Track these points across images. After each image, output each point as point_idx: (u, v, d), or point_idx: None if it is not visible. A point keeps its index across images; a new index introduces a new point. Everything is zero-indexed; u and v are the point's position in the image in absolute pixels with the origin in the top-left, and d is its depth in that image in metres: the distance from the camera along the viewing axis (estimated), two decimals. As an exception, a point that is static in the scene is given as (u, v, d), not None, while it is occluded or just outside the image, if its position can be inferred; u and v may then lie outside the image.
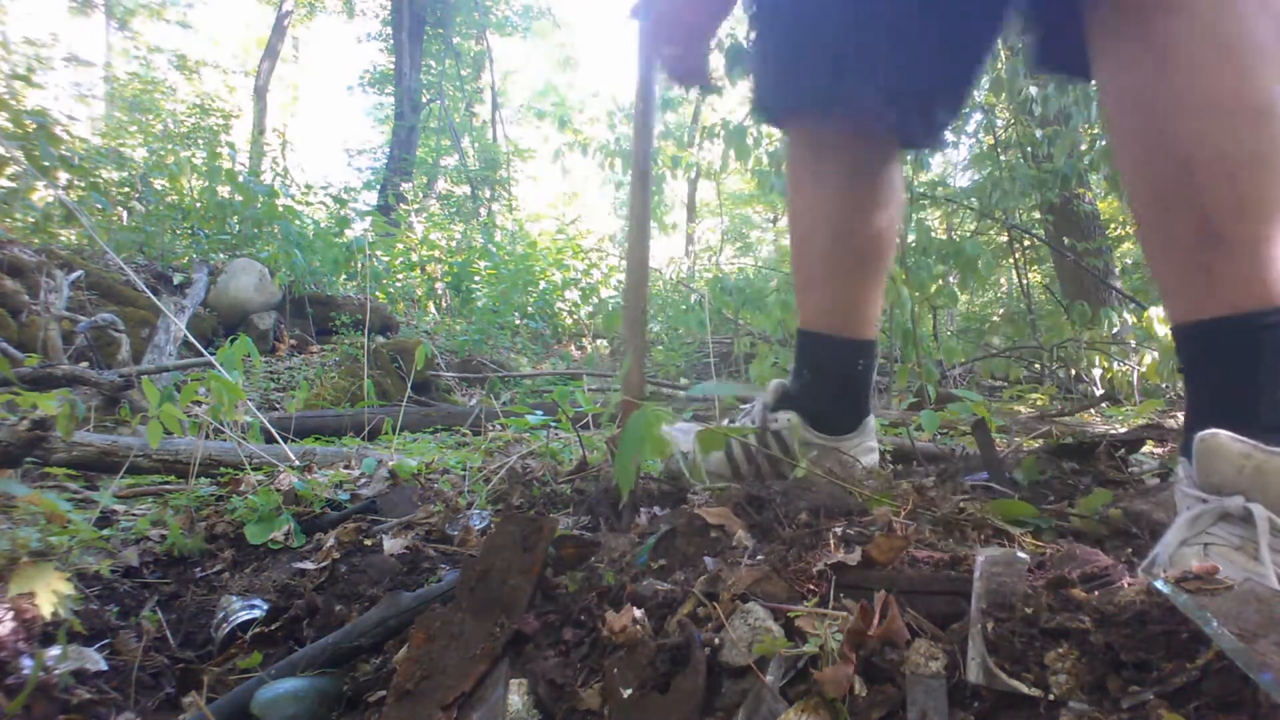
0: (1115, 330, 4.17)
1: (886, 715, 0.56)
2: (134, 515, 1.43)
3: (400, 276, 8.68)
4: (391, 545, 1.18)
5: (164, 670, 0.92)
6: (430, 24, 14.69)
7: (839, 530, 0.83)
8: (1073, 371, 4.44)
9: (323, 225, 7.73)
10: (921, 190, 5.00)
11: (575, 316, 8.75)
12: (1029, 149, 5.24)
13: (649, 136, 1.24)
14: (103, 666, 0.87)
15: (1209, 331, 0.80)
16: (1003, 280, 8.38)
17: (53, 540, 1.04)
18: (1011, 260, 6.22)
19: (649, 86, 1.21)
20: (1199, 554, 0.73)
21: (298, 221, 7.06)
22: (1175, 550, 0.75)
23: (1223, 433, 0.74)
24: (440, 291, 8.98)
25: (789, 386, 1.35)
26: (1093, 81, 0.92)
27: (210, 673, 0.90)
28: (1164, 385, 3.89)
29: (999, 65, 4.20)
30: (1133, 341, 4.10)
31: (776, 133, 3.56)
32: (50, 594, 0.80)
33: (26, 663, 0.76)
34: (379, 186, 13.30)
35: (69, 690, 0.79)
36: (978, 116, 5.48)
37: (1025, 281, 6.36)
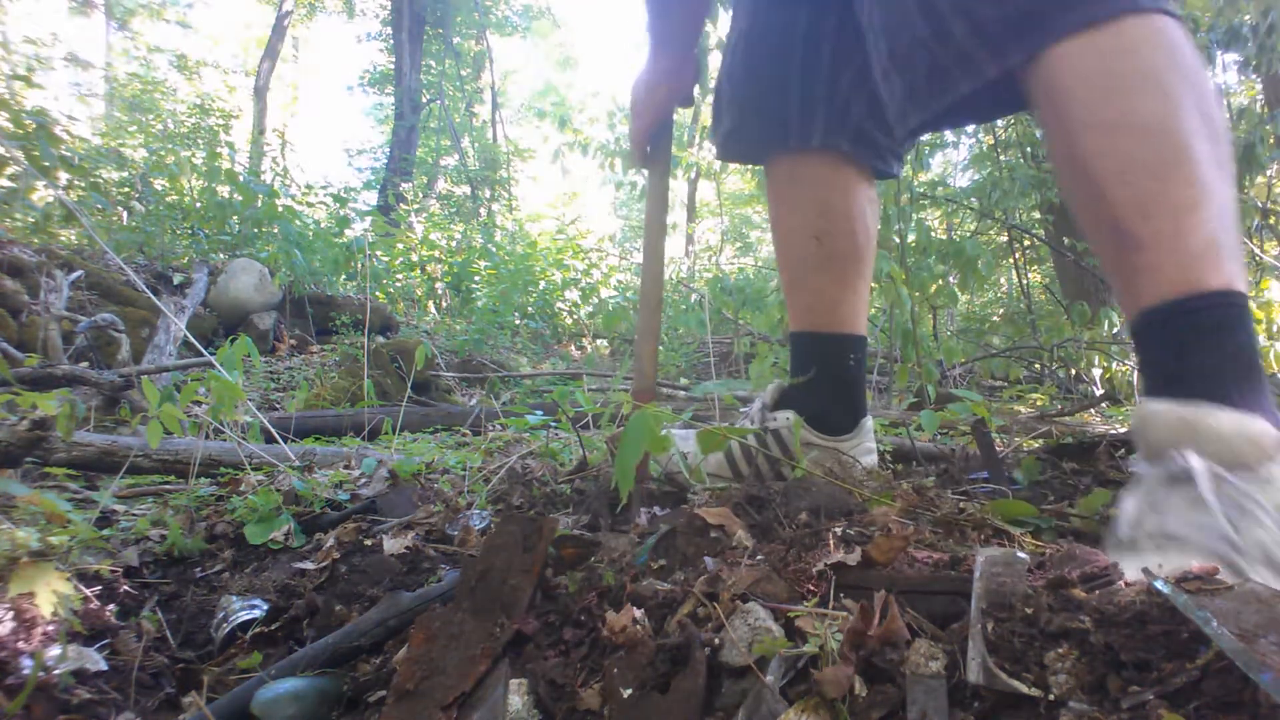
0: (1115, 330, 4.17)
1: (886, 715, 0.56)
2: (134, 515, 1.42)
3: (400, 276, 8.68)
4: (391, 545, 1.18)
5: (164, 670, 0.92)
6: (430, 24, 14.68)
7: (839, 530, 0.83)
8: (1073, 371, 4.44)
9: (323, 225, 7.72)
10: (921, 190, 4.99)
11: (575, 316, 8.75)
12: (1029, 149, 5.24)
13: (668, 140, 1.38)
14: (103, 666, 0.87)
15: (1143, 323, 0.87)
16: (1003, 280, 8.38)
17: (53, 540, 1.04)
18: (1011, 260, 6.22)
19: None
20: (1156, 518, 0.76)
21: (298, 221, 7.05)
22: (1133, 516, 0.79)
23: (1151, 402, 0.81)
24: (440, 291, 8.97)
25: (787, 387, 1.39)
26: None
27: (210, 673, 0.90)
28: (1164, 385, 3.88)
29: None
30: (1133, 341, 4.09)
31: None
32: (50, 594, 0.80)
33: (26, 663, 0.76)
34: (379, 186, 13.29)
35: (69, 690, 0.79)
36: (978, 116, 5.47)
37: (1025, 281, 6.36)
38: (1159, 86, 0.86)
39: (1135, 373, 3.93)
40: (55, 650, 0.80)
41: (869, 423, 1.38)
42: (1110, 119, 0.87)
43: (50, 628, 0.81)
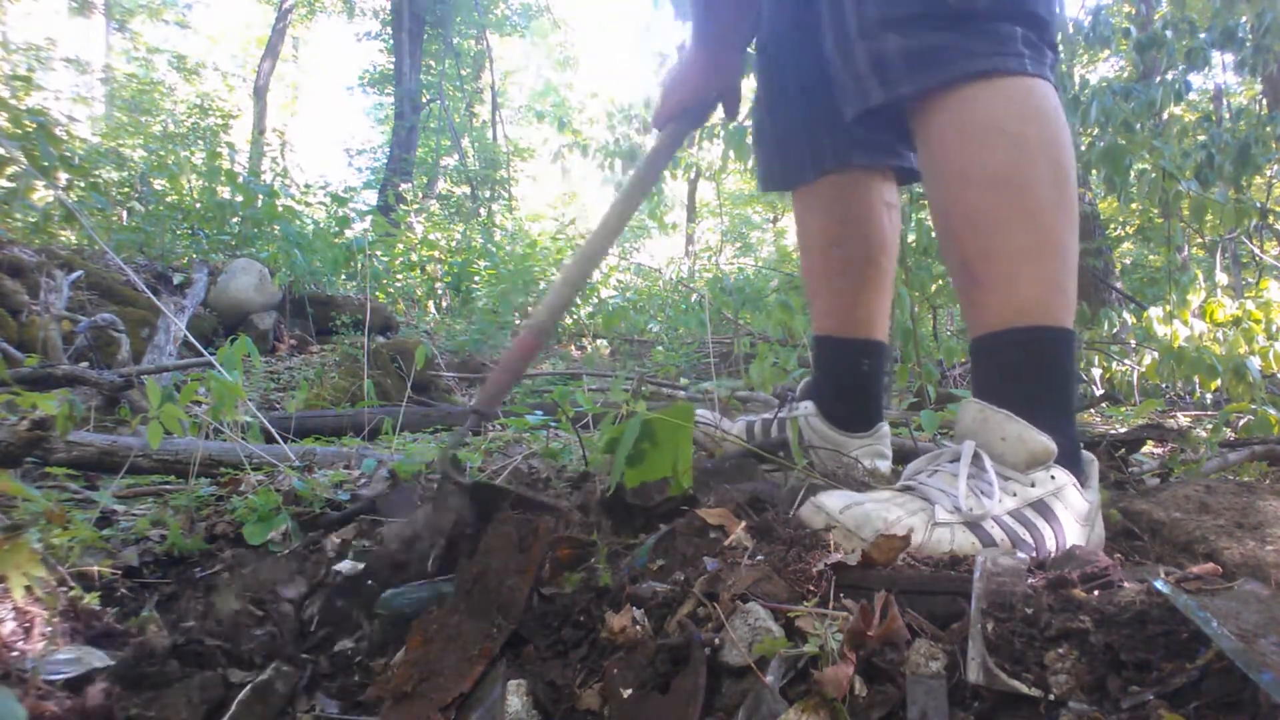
0: (1115, 330, 4.17)
1: (886, 715, 0.56)
2: (134, 515, 1.42)
3: (400, 276, 8.67)
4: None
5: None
6: (430, 24, 14.67)
7: (839, 530, 0.83)
8: (1073, 371, 4.42)
9: (322, 225, 7.72)
10: (921, 190, 4.98)
11: (575, 316, 8.74)
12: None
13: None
14: (108, 663, 0.86)
15: (977, 346, 1.00)
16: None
17: (53, 540, 1.04)
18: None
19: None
20: (928, 472, 0.95)
21: (298, 221, 7.05)
22: (915, 468, 0.98)
23: (971, 401, 0.96)
24: (440, 291, 8.97)
25: (808, 381, 1.48)
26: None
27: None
28: (1164, 385, 3.89)
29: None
30: (1133, 341, 4.09)
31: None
32: (21, 576, 0.78)
33: (29, 664, 0.76)
34: (379, 186, 13.28)
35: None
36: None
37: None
38: (1011, 141, 0.95)
39: (1135, 372, 3.93)
40: (58, 651, 0.80)
41: (884, 428, 1.42)
42: (963, 169, 0.98)
43: (48, 628, 0.81)
